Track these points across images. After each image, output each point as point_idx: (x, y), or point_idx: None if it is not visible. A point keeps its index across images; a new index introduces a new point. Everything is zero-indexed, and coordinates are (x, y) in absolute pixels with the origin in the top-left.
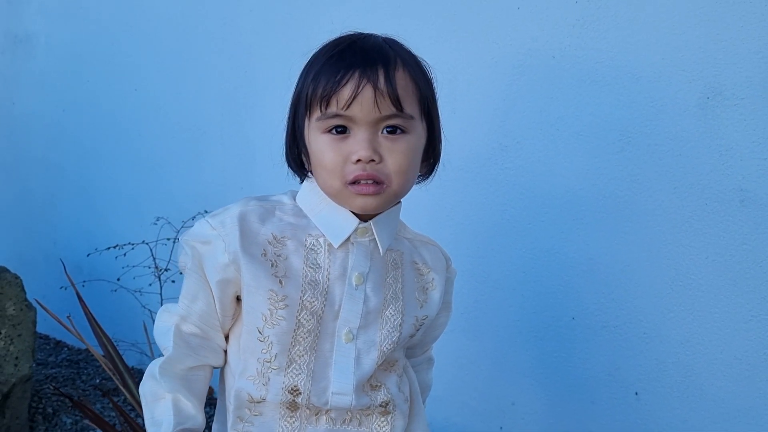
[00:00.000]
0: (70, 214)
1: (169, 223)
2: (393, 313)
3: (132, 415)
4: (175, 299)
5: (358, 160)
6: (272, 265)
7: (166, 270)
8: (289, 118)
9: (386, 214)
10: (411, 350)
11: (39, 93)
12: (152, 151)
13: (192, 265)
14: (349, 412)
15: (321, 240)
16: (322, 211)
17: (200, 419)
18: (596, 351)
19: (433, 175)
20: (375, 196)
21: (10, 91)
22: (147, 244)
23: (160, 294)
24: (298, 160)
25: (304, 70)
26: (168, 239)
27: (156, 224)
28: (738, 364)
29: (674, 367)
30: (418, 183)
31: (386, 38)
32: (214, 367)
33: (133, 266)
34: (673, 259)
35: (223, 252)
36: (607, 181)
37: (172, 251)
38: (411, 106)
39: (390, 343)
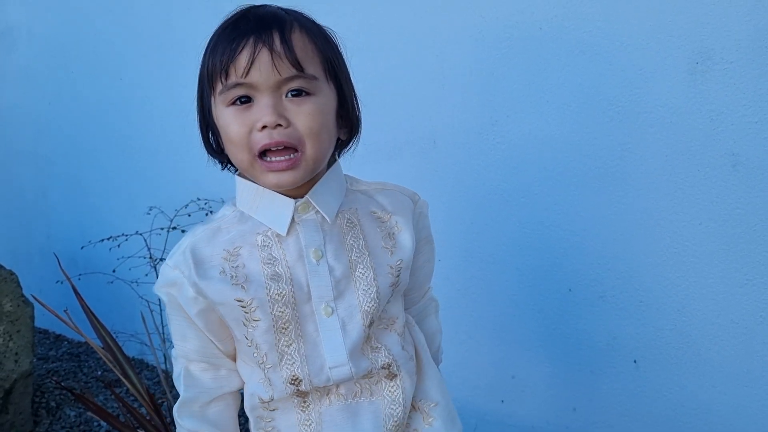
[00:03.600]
0: (62, 207)
1: (163, 212)
2: (363, 272)
3: (134, 405)
4: None
5: (264, 127)
6: (232, 278)
7: (161, 260)
8: (197, 100)
9: (322, 182)
10: (409, 298)
11: (24, 86)
12: (142, 140)
13: (170, 309)
14: (357, 384)
15: (269, 233)
16: (259, 206)
17: None
18: (594, 321)
19: (353, 142)
20: (290, 171)
21: None
22: (141, 234)
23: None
24: (214, 144)
25: (205, 47)
26: (162, 229)
27: (149, 214)
28: (734, 328)
29: (672, 334)
30: (341, 153)
31: (284, 7)
32: (240, 389)
33: (128, 257)
34: (667, 227)
35: (188, 287)
36: (599, 150)
37: (166, 240)
38: (313, 67)
39: (370, 300)
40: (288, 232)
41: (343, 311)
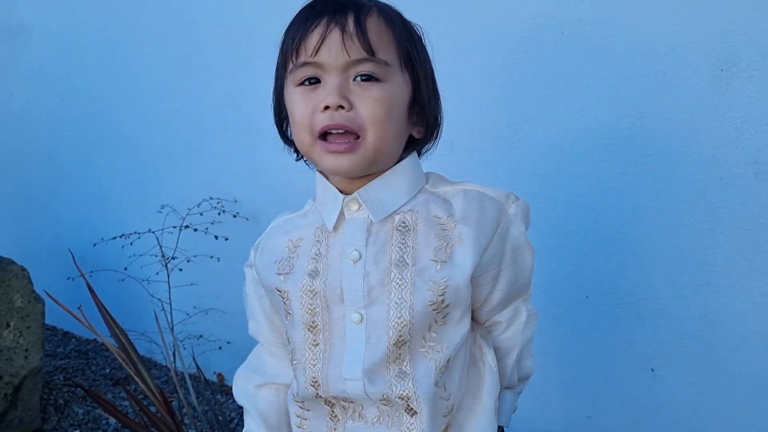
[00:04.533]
0: (73, 204)
1: (175, 210)
2: (400, 283)
3: (145, 403)
4: (182, 287)
5: (326, 108)
6: (279, 267)
7: (172, 258)
8: (274, 88)
9: (381, 178)
10: (489, 312)
11: (36, 83)
12: (154, 138)
13: (246, 287)
14: (378, 408)
15: (323, 228)
16: (323, 201)
17: None
18: (611, 329)
19: (433, 139)
20: (347, 155)
21: (7, 82)
22: (153, 232)
23: (168, 282)
24: (287, 132)
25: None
26: (174, 227)
27: (161, 212)
28: (754, 338)
29: (690, 343)
30: (421, 153)
31: None
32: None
33: (140, 255)
34: (688, 234)
35: (255, 269)
36: (618, 156)
37: (178, 239)
38: (386, 53)
39: (401, 317)
40: (336, 229)
41: (372, 322)
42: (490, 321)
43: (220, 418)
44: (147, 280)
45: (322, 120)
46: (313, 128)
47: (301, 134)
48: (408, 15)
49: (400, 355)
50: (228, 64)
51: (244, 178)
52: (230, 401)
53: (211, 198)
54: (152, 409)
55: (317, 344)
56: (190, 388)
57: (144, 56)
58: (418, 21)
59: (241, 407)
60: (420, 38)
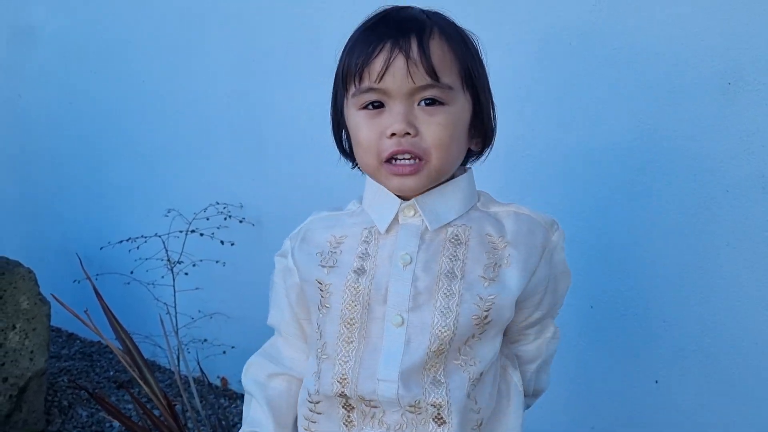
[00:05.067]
0: (78, 207)
1: (181, 215)
2: (447, 293)
3: (148, 407)
4: (187, 291)
5: (393, 134)
6: (323, 259)
7: (178, 263)
8: (332, 99)
9: (439, 189)
10: (523, 328)
11: (44, 85)
12: (161, 142)
13: (275, 276)
14: (403, 416)
15: (374, 230)
16: (374, 203)
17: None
18: (615, 339)
19: (487, 152)
20: (413, 177)
21: (15, 83)
22: (159, 236)
23: (173, 286)
24: (345, 143)
25: (344, 47)
26: (180, 231)
27: (167, 216)
28: (758, 350)
29: (694, 355)
30: (473, 161)
31: (426, 9)
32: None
33: (146, 259)
34: (693, 246)
35: (290, 257)
36: (625, 167)
37: (184, 243)
38: (449, 77)
39: (445, 325)
40: (389, 232)
41: (413, 326)
42: (518, 336)
43: (224, 422)
44: (152, 283)
45: (390, 146)
46: (379, 153)
47: (366, 157)
48: (448, 13)
49: (435, 363)
50: (235, 67)
51: (250, 183)
52: (234, 405)
53: (218, 203)
54: (156, 412)
55: (351, 341)
56: (194, 391)
57: (150, 59)
58: None
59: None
60: (477, 51)
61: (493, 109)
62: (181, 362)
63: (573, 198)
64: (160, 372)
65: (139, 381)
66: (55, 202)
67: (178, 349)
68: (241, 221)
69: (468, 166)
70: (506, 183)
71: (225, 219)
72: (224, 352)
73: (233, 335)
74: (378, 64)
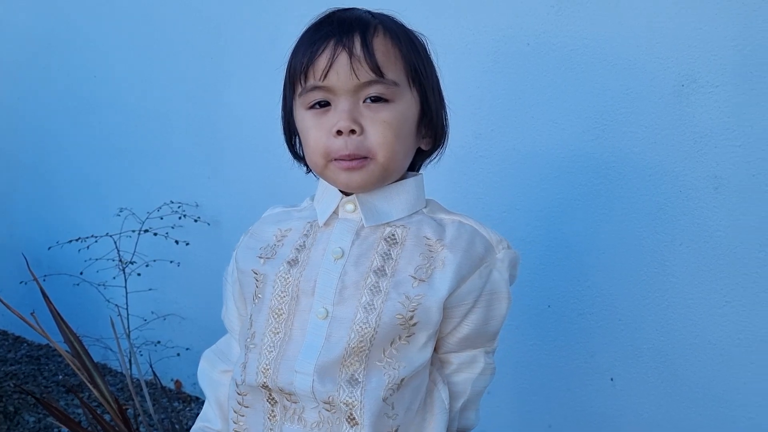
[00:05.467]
0: (27, 206)
1: (134, 214)
2: (374, 289)
3: (99, 411)
4: (139, 292)
5: (338, 132)
6: (262, 251)
7: (131, 263)
8: (282, 103)
9: (383, 189)
10: (448, 346)
11: None
12: (114, 139)
13: (226, 273)
14: (320, 413)
15: (314, 224)
16: (320, 199)
17: (219, 425)
18: (572, 338)
19: (439, 151)
20: (360, 171)
21: None
22: (111, 236)
23: (125, 287)
24: (300, 149)
25: (291, 50)
26: (133, 231)
27: (119, 215)
28: (712, 348)
29: (649, 353)
30: (426, 162)
31: (373, 11)
32: None
33: (96, 259)
34: (648, 246)
35: (234, 253)
36: (582, 168)
37: (136, 243)
38: (394, 73)
39: (366, 322)
40: (327, 225)
41: (336, 320)
42: (444, 357)
43: (177, 426)
44: (103, 284)
45: (337, 149)
46: (327, 153)
47: (314, 156)
48: (397, 15)
49: (355, 362)
50: (192, 64)
51: (206, 182)
52: (188, 409)
53: (172, 202)
54: (106, 417)
55: (278, 332)
56: (147, 395)
57: (104, 55)
58: None
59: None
60: (425, 50)
61: (444, 108)
62: (133, 365)
63: (530, 198)
64: (111, 375)
65: (89, 385)
66: (3, 201)
67: (130, 352)
68: (196, 220)
69: (421, 171)
70: (464, 183)
71: (180, 218)
72: (178, 354)
73: (187, 337)
74: (322, 62)
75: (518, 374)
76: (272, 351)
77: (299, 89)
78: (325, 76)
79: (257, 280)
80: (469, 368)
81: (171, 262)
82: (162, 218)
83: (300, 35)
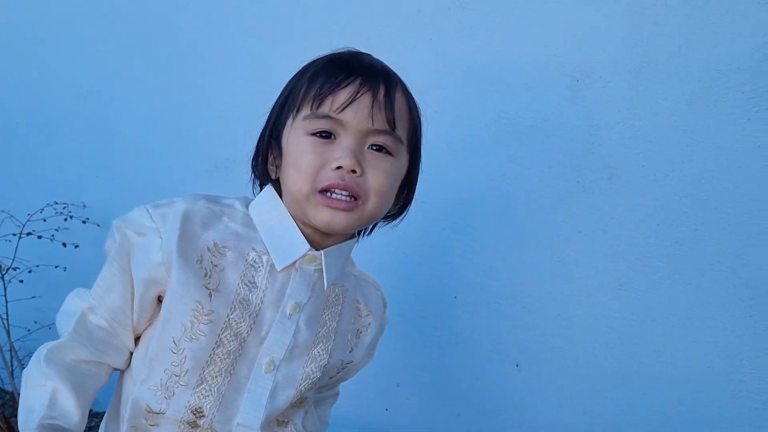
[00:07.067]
0: None
1: (12, 216)
2: (321, 353)
3: None
4: (21, 301)
5: (339, 168)
6: (205, 275)
7: (12, 269)
8: (269, 116)
9: (339, 247)
10: (320, 387)
11: None
12: None
13: (116, 253)
14: None
15: (264, 258)
16: (273, 227)
17: (77, 419)
18: (479, 328)
19: (402, 217)
20: (345, 213)
21: None
22: None
23: (5, 295)
24: (265, 163)
25: (299, 71)
26: (13, 234)
27: None
28: (609, 331)
29: (552, 338)
30: (384, 223)
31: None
32: (115, 369)
33: None
34: (550, 236)
35: (157, 249)
36: (486, 162)
37: (17, 248)
38: (402, 130)
39: (310, 382)
40: (281, 270)
41: (282, 376)
42: (321, 395)
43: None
44: None
45: (332, 178)
46: (317, 181)
47: (300, 182)
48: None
49: (289, 409)
50: (78, 62)
51: (94, 180)
52: None
53: (56, 203)
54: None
55: (216, 376)
56: None
57: None
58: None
59: None
60: (420, 119)
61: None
62: (17, 378)
63: (434, 190)
64: None
65: None
66: None
67: (12, 365)
68: (84, 222)
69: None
70: None
71: (65, 220)
72: None
73: None
74: (343, 95)
75: (427, 365)
76: (208, 396)
77: (306, 111)
78: (342, 110)
79: (198, 312)
80: (334, 398)
81: (56, 267)
82: (45, 220)
83: (319, 61)
